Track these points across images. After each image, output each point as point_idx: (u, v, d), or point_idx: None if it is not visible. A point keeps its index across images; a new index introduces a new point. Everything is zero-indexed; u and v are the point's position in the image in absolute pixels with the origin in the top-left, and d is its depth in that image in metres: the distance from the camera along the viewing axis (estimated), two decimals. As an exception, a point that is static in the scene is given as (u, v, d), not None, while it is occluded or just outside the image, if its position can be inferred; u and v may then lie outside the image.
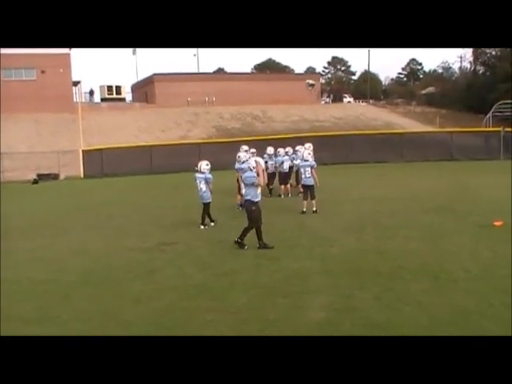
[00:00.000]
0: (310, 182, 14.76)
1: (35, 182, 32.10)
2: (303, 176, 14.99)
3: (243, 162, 14.14)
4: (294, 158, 19.06)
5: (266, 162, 17.98)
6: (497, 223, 11.60)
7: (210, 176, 13.49)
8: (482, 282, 7.67)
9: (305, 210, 14.64)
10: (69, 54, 53.12)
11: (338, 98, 78.30)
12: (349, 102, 75.59)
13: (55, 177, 34.43)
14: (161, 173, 33.21)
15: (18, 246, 12.25)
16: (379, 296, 7.22)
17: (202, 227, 13.40)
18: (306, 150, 15.89)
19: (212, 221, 13.69)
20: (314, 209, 14.73)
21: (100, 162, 34.84)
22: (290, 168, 19.30)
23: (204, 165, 13.51)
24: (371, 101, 74.43)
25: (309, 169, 14.84)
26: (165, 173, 32.80)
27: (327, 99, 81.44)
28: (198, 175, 13.51)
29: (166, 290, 8.04)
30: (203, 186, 13.41)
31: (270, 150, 19.52)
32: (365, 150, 34.95)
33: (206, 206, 13.52)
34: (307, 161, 15.02)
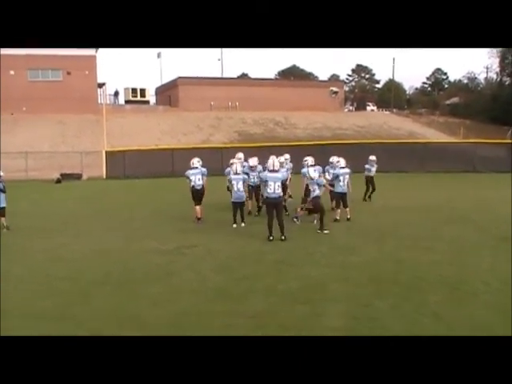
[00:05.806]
0: (345, 190, 14.67)
1: (58, 181, 32.40)
2: (340, 183, 14.60)
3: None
4: (327, 170, 16.02)
5: (247, 174, 15.34)
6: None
7: (246, 176, 14.52)
8: (502, 296, 7.57)
9: (338, 218, 14.55)
10: (94, 56, 53.83)
11: (361, 106, 78.02)
12: (372, 110, 75.23)
13: (78, 177, 34.74)
14: (182, 176, 33.21)
15: (39, 244, 12.42)
16: (397, 306, 7.19)
17: (235, 226, 13.89)
18: (342, 158, 15.14)
19: (243, 221, 14.07)
20: (348, 216, 14.67)
21: (122, 164, 35.03)
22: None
23: (239, 166, 14.36)
24: (395, 110, 73.96)
25: (347, 176, 14.68)
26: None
27: (350, 107, 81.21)
28: (234, 177, 14.10)
29: (184, 293, 8.08)
30: (240, 186, 14.00)
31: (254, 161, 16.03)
32: (386, 160, 34.61)
33: (242, 205, 14.13)
34: (344, 168, 14.81)
